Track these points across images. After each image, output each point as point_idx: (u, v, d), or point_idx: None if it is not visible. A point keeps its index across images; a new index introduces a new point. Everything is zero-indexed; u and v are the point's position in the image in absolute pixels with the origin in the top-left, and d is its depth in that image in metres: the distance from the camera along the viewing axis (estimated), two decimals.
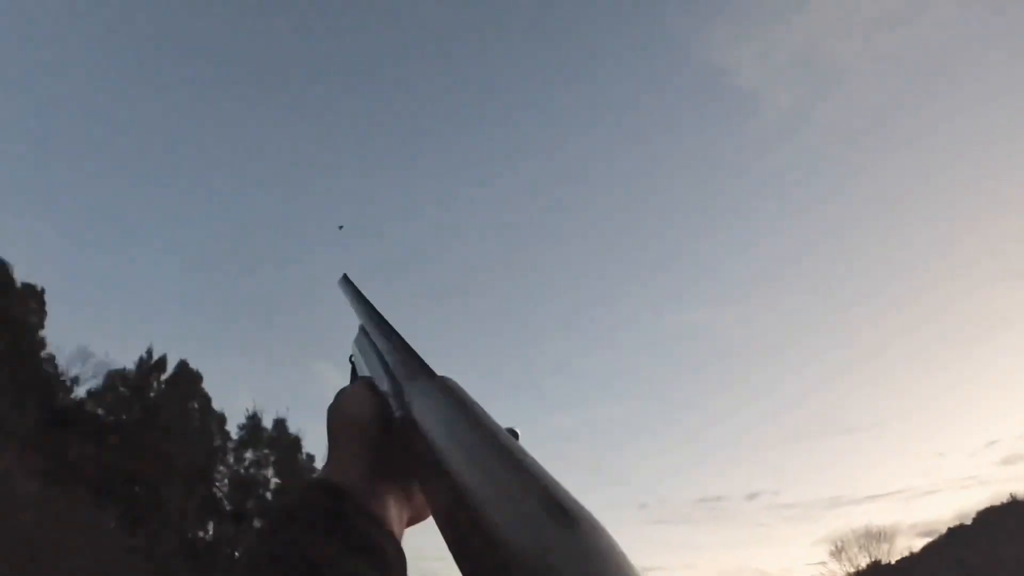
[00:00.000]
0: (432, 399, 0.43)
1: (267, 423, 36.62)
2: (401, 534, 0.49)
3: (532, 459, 0.33)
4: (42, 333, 32.17)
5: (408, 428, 0.44)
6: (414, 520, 0.52)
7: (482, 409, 0.40)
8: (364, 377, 0.61)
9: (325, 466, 0.50)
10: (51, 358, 32.07)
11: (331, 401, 0.56)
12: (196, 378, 37.53)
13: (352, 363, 0.71)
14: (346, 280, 0.77)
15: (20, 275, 31.01)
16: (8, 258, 30.17)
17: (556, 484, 0.30)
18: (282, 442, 36.82)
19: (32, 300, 31.81)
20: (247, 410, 36.59)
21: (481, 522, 0.29)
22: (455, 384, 0.44)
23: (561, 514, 0.27)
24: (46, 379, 30.98)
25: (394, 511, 0.48)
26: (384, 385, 0.54)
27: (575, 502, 0.28)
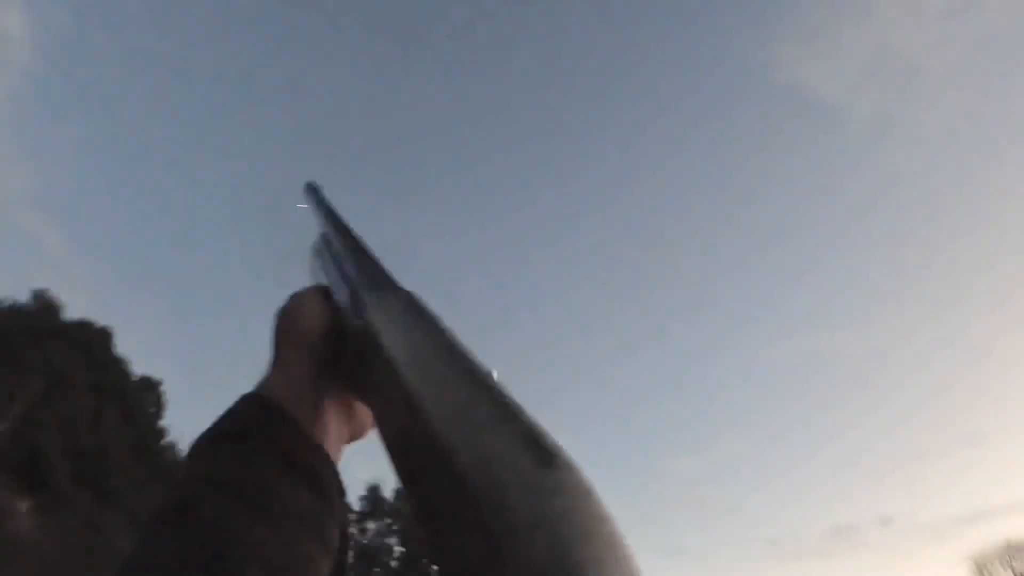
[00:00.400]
0: (398, 313, 0.39)
1: (387, 493, 35.57)
2: (340, 453, 0.46)
3: (507, 391, 0.30)
4: (162, 423, 33.12)
5: (364, 341, 0.40)
6: (353, 438, 0.49)
7: (452, 331, 0.36)
8: (319, 284, 0.56)
9: (267, 376, 0.45)
10: (172, 446, 32.83)
11: (281, 304, 0.51)
12: None
13: (308, 272, 0.65)
14: (312, 188, 0.70)
15: (138, 369, 32.44)
16: (125, 353, 31.57)
17: (533, 420, 0.28)
18: (404, 511, 35.58)
19: (149, 392, 32.97)
20: (367, 482, 35.75)
21: (449, 451, 0.27)
22: (423, 300, 0.40)
23: (539, 451, 0.25)
24: (168, 468, 31.54)
25: (334, 429, 0.45)
26: (341, 294, 0.49)
27: (553, 441, 0.26)
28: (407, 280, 0.43)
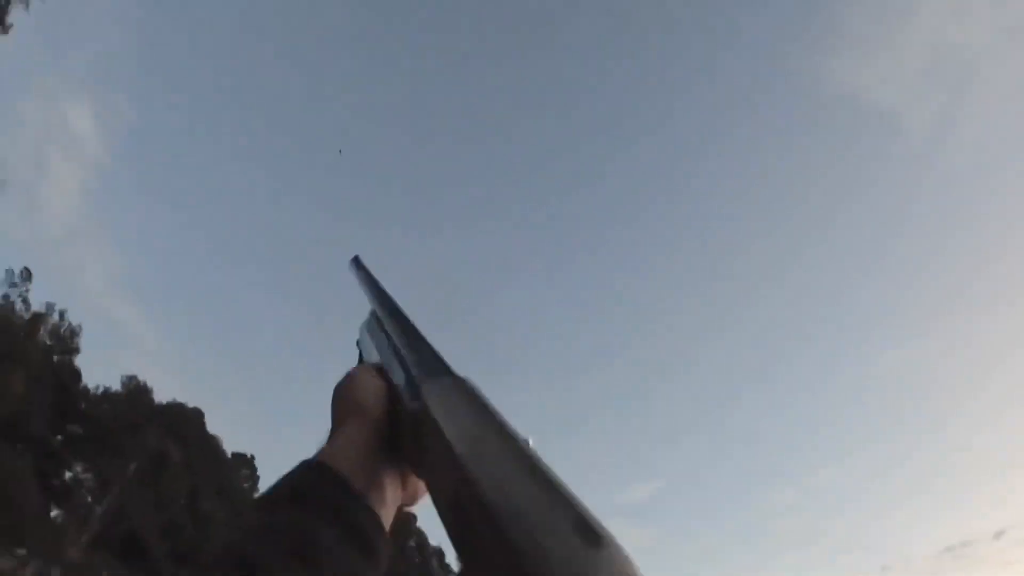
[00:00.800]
0: (454, 398, 0.43)
1: None
2: (390, 520, 0.50)
3: (558, 475, 0.33)
4: (256, 496, 33.29)
5: (421, 421, 0.44)
6: (404, 506, 0.53)
7: (502, 415, 0.40)
8: (374, 363, 0.62)
9: (327, 445, 0.50)
10: None
11: (339, 379, 0.58)
12: (410, 518, 36.89)
13: (359, 347, 0.70)
14: (357, 263, 0.75)
15: (230, 445, 33.08)
16: (217, 431, 32.31)
17: (582, 503, 0.30)
18: None
19: (244, 467, 33.44)
20: None
21: (503, 529, 0.29)
22: (477, 386, 0.44)
23: (590, 534, 0.27)
24: None
25: (388, 496, 0.49)
26: (396, 374, 0.55)
27: (601, 524, 0.28)
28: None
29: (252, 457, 34.30)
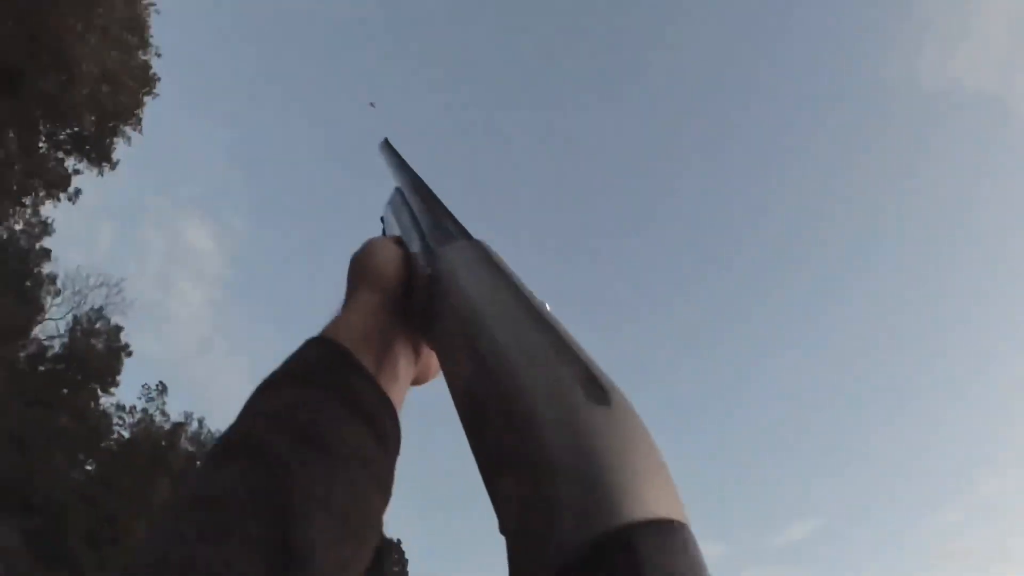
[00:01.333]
0: (468, 261, 0.41)
1: None
2: (403, 397, 0.47)
3: (569, 332, 0.30)
4: None
5: (435, 287, 0.42)
6: (417, 382, 0.51)
7: (518, 277, 0.37)
8: (394, 235, 0.60)
9: (336, 317, 0.47)
10: None
11: (357, 248, 0.54)
12: None
13: (383, 223, 0.68)
14: (387, 145, 0.75)
15: None
16: None
17: (592, 360, 0.28)
18: None
19: (391, 552, 29.50)
20: None
21: (510, 389, 0.27)
22: (492, 249, 0.42)
23: (596, 390, 0.25)
24: None
25: (401, 372, 0.46)
26: (414, 244, 0.52)
27: (610, 381, 0.27)
28: (478, 230, 0.46)
29: (399, 542, 28.82)
